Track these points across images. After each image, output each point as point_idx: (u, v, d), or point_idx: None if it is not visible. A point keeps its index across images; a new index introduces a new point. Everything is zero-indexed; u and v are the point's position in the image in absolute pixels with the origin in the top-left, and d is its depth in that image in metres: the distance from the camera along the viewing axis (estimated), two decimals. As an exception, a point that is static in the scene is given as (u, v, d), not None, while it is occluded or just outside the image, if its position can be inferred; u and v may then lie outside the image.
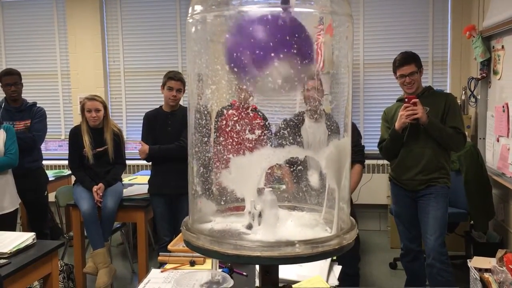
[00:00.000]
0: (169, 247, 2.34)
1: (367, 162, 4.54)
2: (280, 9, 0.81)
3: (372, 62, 5.35)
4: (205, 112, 0.91)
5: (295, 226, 0.92)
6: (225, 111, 0.93)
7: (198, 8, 0.91)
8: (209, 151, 0.93)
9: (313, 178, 0.97)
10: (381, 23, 5.30)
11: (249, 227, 0.92)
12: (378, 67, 5.29)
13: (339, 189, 0.93)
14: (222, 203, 0.98)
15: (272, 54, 0.79)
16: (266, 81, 0.82)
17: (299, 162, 0.94)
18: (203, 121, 0.92)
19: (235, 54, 0.83)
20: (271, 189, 0.93)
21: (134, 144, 5.71)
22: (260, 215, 0.90)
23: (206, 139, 0.93)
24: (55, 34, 5.93)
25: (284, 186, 1.05)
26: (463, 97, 4.79)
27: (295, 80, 0.85)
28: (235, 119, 0.89)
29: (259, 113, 0.94)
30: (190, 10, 0.93)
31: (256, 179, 0.90)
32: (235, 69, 0.84)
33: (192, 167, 0.96)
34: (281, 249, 0.83)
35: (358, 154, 3.42)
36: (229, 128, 0.90)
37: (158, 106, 3.82)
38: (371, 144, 4.89)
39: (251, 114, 0.92)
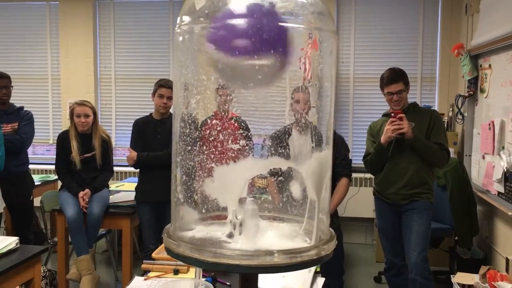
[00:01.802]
0: (153, 255, 2.33)
1: (354, 175, 4.56)
2: (265, 21, 0.83)
3: (363, 76, 5.41)
4: (190, 121, 0.93)
5: (275, 236, 0.93)
6: (208, 121, 0.94)
7: (186, 19, 0.93)
8: (193, 160, 0.94)
9: (294, 189, 0.98)
10: (372, 38, 5.36)
11: (230, 236, 0.93)
12: (368, 82, 5.35)
13: (319, 201, 0.94)
14: (204, 211, 0.99)
15: (257, 67, 0.81)
16: (251, 92, 0.84)
17: (280, 173, 0.96)
18: (187, 130, 0.93)
19: (220, 65, 0.84)
20: (253, 199, 0.94)
21: (123, 151, 5.69)
22: (241, 224, 0.91)
23: (189, 147, 0.94)
24: (47, 38, 5.92)
25: (265, 196, 1.07)
26: (450, 114, 4.85)
27: (281, 92, 0.87)
28: (218, 129, 0.91)
29: (242, 123, 0.95)
30: (178, 20, 0.94)
31: (239, 189, 0.92)
32: (220, 79, 0.85)
33: (175, 175, 0.97)
34: (260, 258, 0.84)
35: (345, 168, 3.45)
36: (212, 138, 0.91)
37: (148, 114, 3.82)
38: (360, 158, 4.92)
39: (235, 124, 0.93)
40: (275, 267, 0.83)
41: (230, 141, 0.91)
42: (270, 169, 0.94)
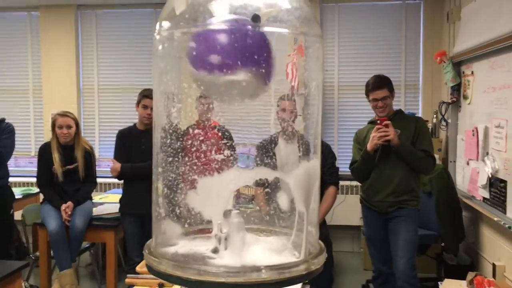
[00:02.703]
0: (138, 268, 2.27)
1: (341, 183, 4.56)
2: (248, 27, 0.80)
3: (347, 84, 5.42)
4: (170, 131, 0.88)
5: (262, 251, 0.88)
6: (190, 130, 0.90)
7: (166, 24, 0.89)
8: (175, 172, 0.90)
9: (282, 201, 0.94)
10: (356, 46, 5.39)
11: (215, 251, 0.88)
12: (352, 89, 5.36)
13: (308, 213, 0.90)
14: (187, 225, 0.94)
15: (239, 72, 0.77)
16: (233, 100, 0.80)
17: (266, 184, 0.92)
18: (168, 140, 0.89)
19: (201, 71, 0.81)
20: (238, 211, 0.90)
21: (107, 162, 5.60)
22: (226, 238, 0.87)
23: (171, 159, 0.90)
24: (27, 48, 5.83)
25: (251, 207, 1.03)
26: (434, 121, 4.88)
27: (263, 99, 0.83)
28: (201, 138, 0.87)
29: (226, 133, 0.91)
30: (157, 26, 0.90)
31: (223, 201, 0.88)
32: (202, 87, 0.82)
33: (156, 188, 0.92)
34: (246, 274, 0.79)
35: (332, 176, 3.43)
36: (195, 148, 0.87)
37: (132, 124, 3.77)
38: (345, 166, 4.91)
39: (218, 134, 0.90)
40: (263, 284, 0.78)
41: (213, 151, 0.87)
42: (256, 180, 0.90)
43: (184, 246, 0.93)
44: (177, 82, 0.90)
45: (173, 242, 0.94)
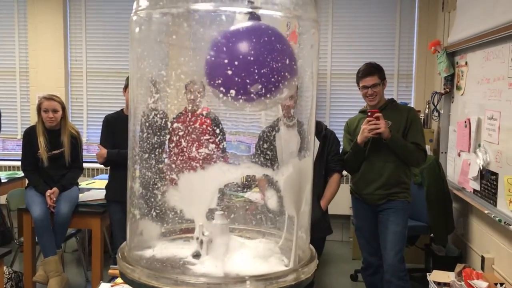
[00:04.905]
0: (122, 259, 2.21)
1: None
2: (235, 9, 0.72)
3: (340, 72, 5.36)
4: (147, 124, 0.81)
5: (247, 257, 0.80)
6: (169, 124, 0.82)
7: (144, 3, 0.81)
8: (153, 168, 0.82)
9: (271, 201, 0.86)
10: (349, 34, 5.31)
11: (196, 255, 0.81)
12: (345, 78, 5.30)
13: (298, 216, 0.82)
14: (166, 225, 0.86)
15: (226, 61, 0.70)
16: (219, 92, 0.73)
17: (254, 183, 0.85)
18: (145, 135, 0.81)
19: (182, 59, 0.73)
20: (222, 212, 0.83)
21: (95, 147, 5.51)
22: (208, 242, 0.80)
23: (147, 155, 0.82)
24: (15, 29, 5.67)
25: (242, 196, 0.95)
26: (426, 111, 4.84)
27: (250, 91, 0.75)
28: (182, 132, 0.79)
29: (214, 123, 0.83)
30: (134, 5, 0.81)
31: (207, 200, 0.80)
32: (182, 76, 0.74)
33: (131, 186, 0.84)
34: (228, 286, 0.71)
35: (337, 164, 3.34)
36: (176, 142, 0.79)
37: (119, 109, 3.68)
38: (336, 155, 4.87)
39: (203, 126, 0.82)
40: (247, 298, 0.72)
41: (197, 145, 0.80)
42: (242, 178, 0.83)
43: (162, 250, 0.85)
44: (155, 70, 0.81)
45: (150, 244, 0.86)
